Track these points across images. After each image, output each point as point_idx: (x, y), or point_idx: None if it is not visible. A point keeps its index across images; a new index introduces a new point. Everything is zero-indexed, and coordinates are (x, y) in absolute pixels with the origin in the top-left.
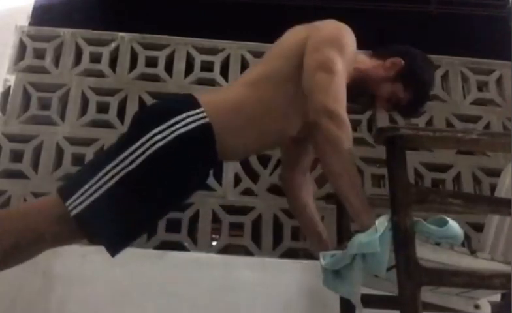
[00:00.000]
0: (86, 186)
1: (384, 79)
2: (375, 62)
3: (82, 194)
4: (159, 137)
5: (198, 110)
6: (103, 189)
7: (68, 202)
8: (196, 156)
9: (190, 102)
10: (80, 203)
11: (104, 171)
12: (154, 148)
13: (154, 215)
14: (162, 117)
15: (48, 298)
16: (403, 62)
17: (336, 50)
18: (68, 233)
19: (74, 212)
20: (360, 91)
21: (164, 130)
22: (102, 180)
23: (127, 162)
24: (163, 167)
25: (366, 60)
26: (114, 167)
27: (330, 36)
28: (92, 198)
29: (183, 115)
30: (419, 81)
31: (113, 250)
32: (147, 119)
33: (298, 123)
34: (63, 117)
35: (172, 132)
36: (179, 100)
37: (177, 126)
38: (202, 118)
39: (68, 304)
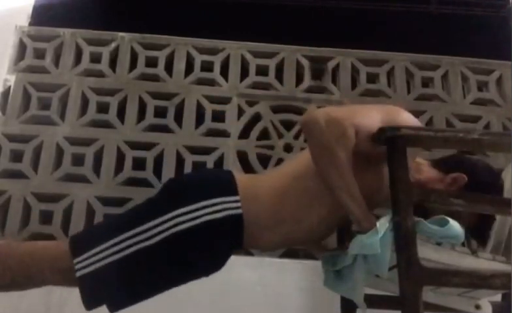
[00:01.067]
0: (98, 249)
1: None
2: (435, 175)
3: (92, 256)
4: (185, 218)
5: (233, 198)
6: (115, 257)
7: (77, 260)
8: (220, 246)
9: (228, 186)
10: (88, 265)
11: (120, 239)
12: (177, 229)
13: (161, 290)
14: (194, 195)
15: (48, 301)
16: (466, 178)
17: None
18: (67, 283)
19: (80, 273)
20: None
21: (192, 211)
22: (116, 248)
23: (145, 236)
24: (181, 251)
25: (425, 170)
26: (131, 237)
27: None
28: (101, 263)
29: (218, 200)
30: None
31: (112, 310)
32: (179, 193)
33: (334, 227)
34: (63, 117)
35: (200, 216)
36: (217, 180)
37: (208, 210)
38: (236, 208)
39: (68, 306)
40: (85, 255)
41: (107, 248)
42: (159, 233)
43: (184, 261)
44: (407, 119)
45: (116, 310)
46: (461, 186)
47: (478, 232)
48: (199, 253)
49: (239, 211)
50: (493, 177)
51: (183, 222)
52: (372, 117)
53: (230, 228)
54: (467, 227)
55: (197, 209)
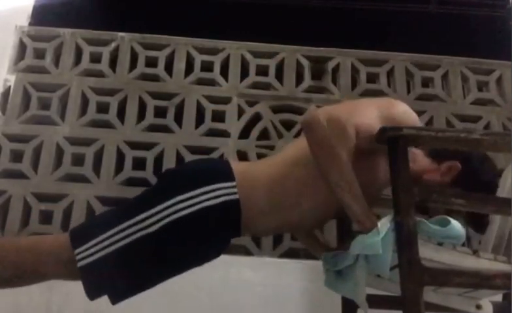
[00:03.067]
0: (99, 239)
1: (441, 184)
2: (430, 165)
3: (93, 246)
4: (184, 205)
5: (230, 184)
6: (115, 246)
7: (78, 251)
8: (218, 231)
9: (224, 172)
10: (89, 256)
11: (120, 227)
12: (176, 215)
13: (162, 278)
14: (192, 183)
15: (48, 302)
16: (460, 166)
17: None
18: (69, 276)
19: (81, 263)
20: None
21: (190, 198)
22: (117, 237)
23: (145, 224)
24: (182, 237)
25: (419, 159)
26: (131, 225)
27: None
28: (102, 253)
29: (214, 186)
30: (479, 185)
31: (114, 300)
32: (176, 181)
33: (329, 214)
34: (63, 117)
35: (199, 203)
36: (213, 168)
37: (206, 196)
38: (233, 193)
39: (69, 308)
40: (85, 246)
41: (108, 238)
42: (159, 220)
43: (184, 247)
44: (403, 110)
45: (118, 300)
46: (455, 175)
47: (475, 220)
48: (198, 239)
49: (236, 197)
50: (488, 167)
51: (182, 209)
52: (370, 113)
53: (228, 213)
54: (464, 217)
55: (195, 196)
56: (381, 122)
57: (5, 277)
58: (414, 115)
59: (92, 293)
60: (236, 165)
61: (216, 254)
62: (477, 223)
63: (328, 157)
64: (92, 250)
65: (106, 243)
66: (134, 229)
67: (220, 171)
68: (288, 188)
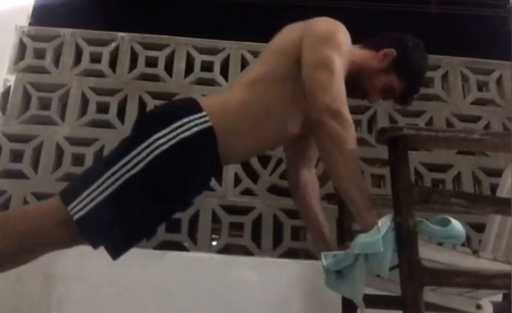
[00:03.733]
0: (89, 190)
1: (378, 70)
2: (368, 54)
3: (85, 198)
4: (161, 141)
5: (200, 114)
6: (106, 193)
7: (71, 206)
8: (199, 160)
9: (192, 106)
10: (83, 208)
11: (106, 175)
12: (157, 152)
13: (156, 218)
14: (164, 121)
15: (48, 298)
16: (395, 52)
17: (333, 48)
18: (69, 237)
19: (77, 216)
20: (355, 84)
21: (166, 134)
22: (105, 184)
23: (130, 165)
24: (166, 171)
25: (358, 53)
26: (117, 171)
27: (325, 34)
28: (94, 202)
29: (186, 119)
30: (413, 68)
31: (115, 253)
32: (150, 123)
33: (299, 120)
34: (63, 117)
35: (175, 137)
36: (181, 105)
37: (180, 130)
38: (204, 122)
39: (68, 304)
40: (77, 200)
41: (97, 187)
42: (141, 160)
43: (169, 180)
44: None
45: (117, 251)
46: (391, 60)
47: (404, 97)
48: (181, 170)
49: (208, 124)
50: (419, 49)
51: (160, 145)
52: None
53: (205, 140)
54: (390, 94)
55: (171, 131)
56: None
57: (8, 251)
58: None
59: (94, 242)
60: (205, 98)
61: (201, 186)
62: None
63: (340, 153)
64: (84, 202)
65: (96, 192)
66: (120, 173)
67: (188, 106)
68: (255, 107)
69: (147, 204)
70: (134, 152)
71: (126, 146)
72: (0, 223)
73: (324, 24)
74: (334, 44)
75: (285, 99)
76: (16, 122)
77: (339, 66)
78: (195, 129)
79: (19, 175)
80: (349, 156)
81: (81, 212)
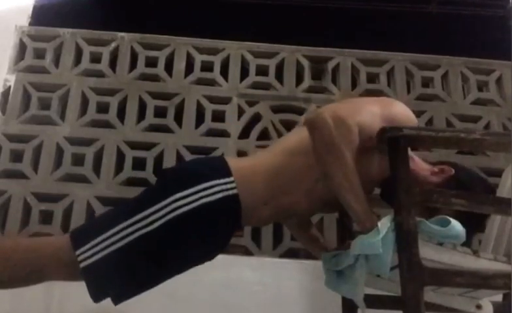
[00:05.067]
0: (99, 239)
1: (430, 184)
2: (424, 165)
3: (94, 246)
4: (183, 202)
5: (227, 179)
6: (117, 245)
7: (79, 251)
8: (218, 227)
9: (221, 169)
10: (91, 256)
11: (120, 227)
12: (176, 213)
13: (164, 277)
14: (190, 180)
15: (48, 298)
16: (453, 170)
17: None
18: (71, 277)
19: (83, 264)
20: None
21: (189, 195)
22: (117, 237)
23: (145, 222)
24: (182, 234)
25: (415, 160)
26: (131, 225)
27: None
28: (104, 253)
29: (212, 183)
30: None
31: (117, 302)
32: (175, 180)
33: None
34: (63, 117)
35: (198, 199)
36: (210, 165)
37: (204, 193)
38: (230, 189)
39: (68, 304)
40: (87, 246)
41: (109, 237)
42: (159, 218)
43: (185, 244)
44: (403, 110)
45: (120, 301)
46: (446, 179)
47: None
48: (199, 236)
49: (234, 191)
50: (479, 179)
51: (181, 206)
52: (372, 112)
53: (227, 208)
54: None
55: (194, 193)
56: (381, 122)
57: (5, 279)
58: (412, 115)
59: (96, 295)
60: (234, 160)
61: (217, 251)
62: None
63: (333, 157)
64: (93, 251)
65: (107, 243)
66: (134, 228)
67: (217, 168)
68: (285, 178)
69: (158, 263)
70: (152, 209)
71: (146, 199)
72: (6, 253)
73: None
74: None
75: (315, 173)
76: (16, 122)
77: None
78: (219, 195)
79: (19, 175)
80: (345, 164)
81: (89, 261)
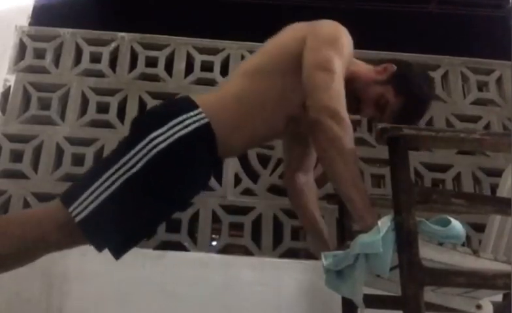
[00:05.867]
0: (89, 191)
1: (375, 81)
2: (367, 66)
3: (85, 200)
4: (159, 139)
5: (196, 111)
6: (106, 194)
7: (72, 208)
8: (198, 157)
9: (187, 104)
10: (84, 209)
11: (106, 176)
12: (155, 150)
13: (157, 217)
14: (161, 120)
15: (48, 297)
16: (395, 67)
17: (335, 51)
18: (70, 238)
19: (78, 218)
20: (349, 93)
21: (164, 132)
22: (105, 185)
23: (128, 165)
24: (165, 169)
25: (358, 63)
26: (116, 171)
27: (329, 36)
28: (95, 203)
29: (182, 117)
30: (413, 87)
31: (117, 253)
32: (146, 122)
33: (292, 117)
34: (63, 117)
35: (173, 134)
36: (177, 103)
37: (177, 128)
38: (201, 119)
39: (68, 304)
40: (77, 202)
41: (96, 188)
42: (140, 159)
43: (169, 178)
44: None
45: (119, 252)
46: (390, 75)
47: (399, 118)
48: (180, 168)
49: (205, 120)
50: (424, 77)
51: (159, 144)
52: (338, 55)
53: (202, 137)
54: (383, 109)
55: (168, 129)
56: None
57: (7, 253)
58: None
59: (98, 243)
60: (199, 96)
61: (201, 183)
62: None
63: (338, 153)
64: (85, 204)
65: (96, 194)
66: (119, 173)
67: (183, 104)
68: (251, 99)
69: (147, 203)
70: (133, 152)
71: (124, 146)
72: (1, 226)
73: (329, 26)
74: (337, 47)
75: (280, 93)
76: (16, 122)
77: (340, 68)
78: (192, 126)
79: (19, 175)
80: (346, 157)
81: (82, 214)
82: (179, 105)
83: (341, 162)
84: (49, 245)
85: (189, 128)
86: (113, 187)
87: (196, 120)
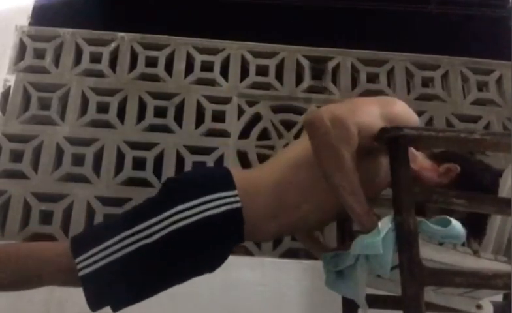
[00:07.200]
0: (100, 247)
1: (438, 185)
2: (428, 163)
3: (94, 255)
4: (185, 214)
5: (231, 193)
6: (116, 256)
7: (79, 259)
8: (220, 241)
9: (225, 181)
10: (90, 265)
11: (122, 236)
12: (177, 225)
13: (162, 287)
14: (194, 192)
15: (48, 298)
16: (459, 168)
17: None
18: (70, 282)
19: (82, 273)
20: None
21: (192, 207)
22: (117, 246)
23: (146, 233)
24: (183, 247)
25: (419, 160)
26: (132, 235)
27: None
28: (103, 262)
29: (216, 196)
30: (478, 188)
31: (115, 309)
32: (178, 190)
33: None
34: (63, 117)
35: (202, 212)
36: (215, 178)
37: (209, 206)
38: (234, 202)
39: (68, 304)
40: (86, 254)
41: (109, 247)
42: (159, 230)
43: (185, 257)
44: (403, 109)
45: (119, 309)
46: (454, 177)
47: (474, 228)
48: (200, 249)
49: (238, 205)
50: (488, 172)
51: (183, 219)
52: (372, 112)
53: (231, 222)
54: (462, 221)
55: (196, 205)
56: (382, 121)
57: (5, 283)
58: (414, 114)
59: (94, 304)
60: (238, 173)
61: (218, 263)
62: (475, 227)
63: (331, 157)
64: (93, 259)
65: (106, 252)
66: (135, 239)
67: (221, 180)
68: (292, 192)
69: (156, 275)
70: (154, 220)
71: (148, 209)
72: (6, 257)
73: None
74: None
75: (323, 187)
76: (16, 122)
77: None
78: (224, 208)
79: (19, 175)
80: (345, 165)
81: (87, 270)
82: (217, 181)
83: (337, 169)
84: (47, 283)
85: (219, 210)
86: (126, 251)
87: (229, 203)
